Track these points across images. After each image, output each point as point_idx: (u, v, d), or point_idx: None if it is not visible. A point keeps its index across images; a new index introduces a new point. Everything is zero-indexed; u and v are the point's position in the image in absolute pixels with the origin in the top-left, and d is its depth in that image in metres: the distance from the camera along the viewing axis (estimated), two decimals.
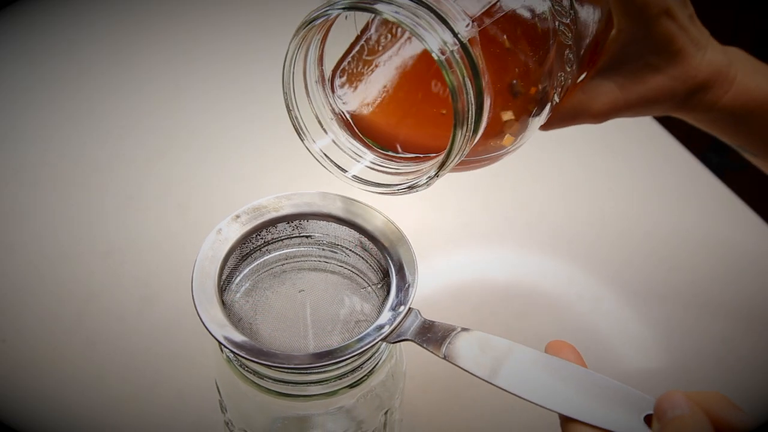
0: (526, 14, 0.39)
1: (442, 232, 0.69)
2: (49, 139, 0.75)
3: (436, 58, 0.34)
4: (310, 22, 0.36)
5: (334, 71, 0.41)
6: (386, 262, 0.43)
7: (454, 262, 0.68)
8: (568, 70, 0.41)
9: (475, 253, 0.68)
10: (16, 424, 0.56)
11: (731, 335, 0.63)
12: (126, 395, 0.58)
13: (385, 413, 0.46)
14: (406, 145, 0.41)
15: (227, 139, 0.76)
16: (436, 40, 0.34)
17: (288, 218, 0.45)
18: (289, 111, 0.40)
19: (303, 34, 0.36)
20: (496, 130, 0.40)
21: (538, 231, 0.70)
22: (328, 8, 0.35)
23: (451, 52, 0.34)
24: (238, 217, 0.44)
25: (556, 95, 0.41)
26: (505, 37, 0.38)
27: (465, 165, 0.42)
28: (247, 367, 0.41)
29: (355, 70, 0.41)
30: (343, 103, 0.41)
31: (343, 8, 0.35)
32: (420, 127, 0.41)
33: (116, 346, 0.60)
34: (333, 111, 0.41)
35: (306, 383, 0.41)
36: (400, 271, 0.42)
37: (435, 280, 0.65)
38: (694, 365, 0.61)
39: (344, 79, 0.41)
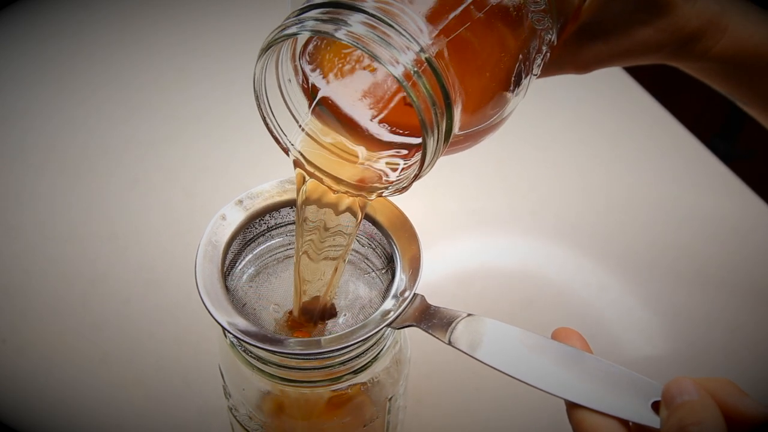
0: (495, 18, 0.37)
1: (448, 219, 0.69)
2: (55, 123, 0.75)
3: (400, 83, 0.33)
4: (270, 47, 0.35)
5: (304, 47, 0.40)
6: (391, 248, 0.43)
7: (459, 249, 0.67)
8: (545, 49, 0.40)
9: (481, 241, 0.68)
10: (19, 411, 0.56)
11: (739, 323, 0.63)
12: (130, 379, 0.58)
13: (389, 400, 0.46)
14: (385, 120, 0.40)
15: (233, 124, 0.76)
16: (399, 67, 0.33)
17: (292, 203, 0.45)
18: (264, 119, 0.39)
19: (266, 57, 0.35)
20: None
21: (544, 218, 0.70)
22: (289, 30, 0.34)
23: (416, 72, 0.33)
24: (241, 201, 0.44)
25: (533, 74, 0.40)
26: (473, 44, 0.36)
27: (449, 149, 0.41)
28: (250, 352, 0.41)
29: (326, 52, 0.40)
30: (312, 71, 0.40)
31: (308, 32, 0.33)
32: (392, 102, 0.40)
33: (120, 331, 0.60)
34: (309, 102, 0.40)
35: (310, 369, 0.41)
36: (405, 256, 0.42)
37: (440, 267, 0.65)
38: (701, 353, 0.61)
39: (314, 63, 0.40)
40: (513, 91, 0.38)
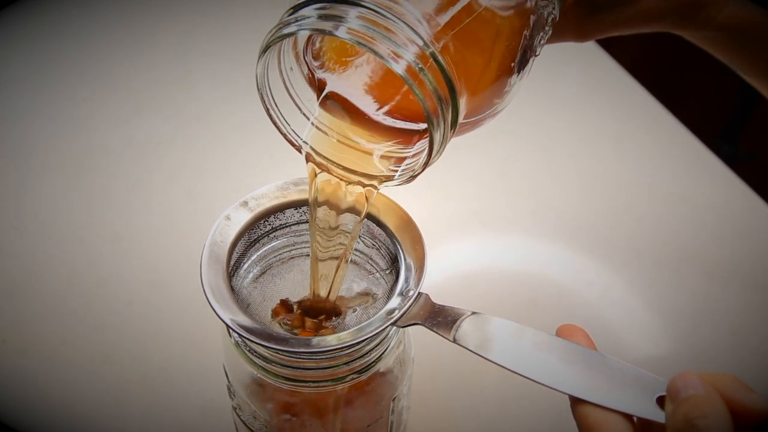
0: (498, 7, 0.36)
1: (451, 219, 0.69)
2: (58, 123, 0.75)
3: (405, 81, 0.32)
4: (269, 47, 0.34)
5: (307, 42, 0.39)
6: (395, 248, 0.43)
7: (462, 249, 0.67)
8: (547, 29, 0.39)
9: (484, 241, 0.68)
10: (20, 412, 0.56)
11: (741, 324, 0.63)
12: (134, 380, 0.58)
13: (393, 400, 0.46)
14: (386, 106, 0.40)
15: (236, 125, 0.76)
16: (403, 63, 0.32)
17: (296, 204, 0.45)
18: (271, 117, 0.38)
19: (266, 57, 0.35)
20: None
21: (548, 219, 0.70)
22: (287, 29, 0.33)
23: (420, 69, 0.32)
24: (246, 203, 0.44)
25: (536, 55, 0.39)
26: (476, 35, 0.36)
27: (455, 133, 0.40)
28: (255, 352, 0.41)
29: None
30: (318, 67, 0.40)
31: (307, 30, 0.33)
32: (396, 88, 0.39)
33: (125, 331, 0.60)
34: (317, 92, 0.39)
35: (314, 369, 0.41)
36: (409, 256, 0.42)
37: (443, 267, 0.65)
38: (705, 354, 0.61)
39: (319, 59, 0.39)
40: (517, 74, 0.38)
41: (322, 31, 0.33)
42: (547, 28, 0.39)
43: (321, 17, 0.33)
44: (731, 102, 1.02)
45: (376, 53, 0.32)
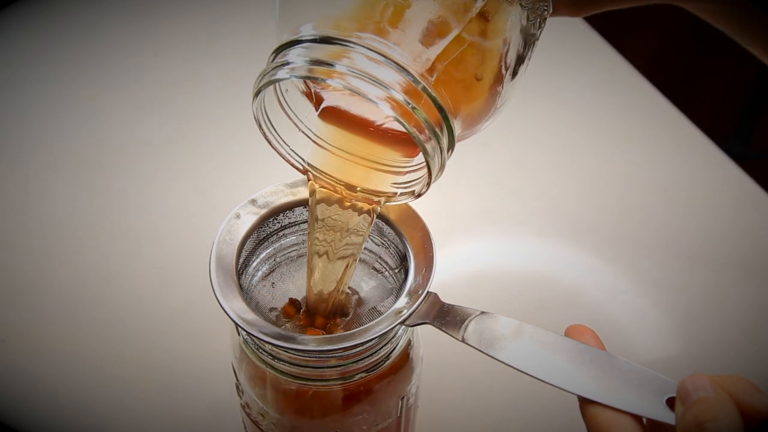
0: (488, 34, 0.36)
1: (461, 218, 0.69)
2: (67, 121, 0.75)
3: (400, 122, 0.32)
4: (260, 92, 0.34)
5: None
6: (404, 247, 0.43)
7: (472, 248, 0.67)
8: (539, 33, 0.39)
9: (494, 241, 0.68)
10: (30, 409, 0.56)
11: (752, 324, 0.63)
12: (142, 377, 0.58)
13: (402, 399, 0.46)
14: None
15: (246, 122, 0.75)
16: (392, 105, 0.32)
17: (305, 202, 0.45)
18: (271, 144, 0.39)
19: (261, 98, 0.35)
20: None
21: (558, 219, 0.69)
22: (278, 74, 0.33)
23: (413, 108, 0.32)
24: (254, 201, 0.44)
25: (530, 59, 0.39)
26: (468, 62, 0.35)
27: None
28: (263, 350, 0.41)
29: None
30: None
31: (298, 77, 0.33)
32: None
33: (134, 328, 0.60)
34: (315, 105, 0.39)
35: (323, 367, 0.41)
36: (418, 255, 0.42)
37: (452, 266, 0.65)
38: (714, 355, 0.61)
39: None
40: (511, 83, 0.37)
41: (312, 78, 0.33)
42: (539, 33, 0.38)
43: (309, 61, 0.33)
44: (742, 101, 1.02)
45: (365, 96, 0.32)
